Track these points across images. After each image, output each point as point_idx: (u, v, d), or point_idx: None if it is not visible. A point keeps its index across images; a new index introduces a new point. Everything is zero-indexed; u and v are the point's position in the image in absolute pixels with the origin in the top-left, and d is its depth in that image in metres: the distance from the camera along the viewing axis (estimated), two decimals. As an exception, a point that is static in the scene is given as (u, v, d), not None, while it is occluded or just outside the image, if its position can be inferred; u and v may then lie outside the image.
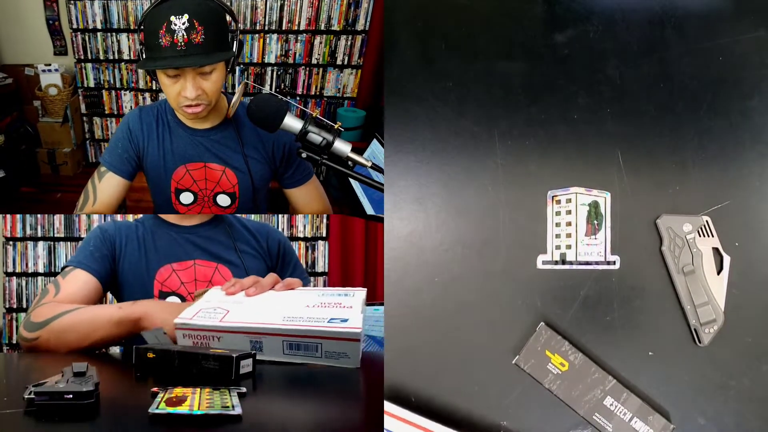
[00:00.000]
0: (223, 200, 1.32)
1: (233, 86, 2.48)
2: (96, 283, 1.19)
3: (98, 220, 2.04)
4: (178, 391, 0.74)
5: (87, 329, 1.02)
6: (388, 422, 0.99)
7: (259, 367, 0.89)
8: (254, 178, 1.30)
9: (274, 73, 2.76)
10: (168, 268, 1.22)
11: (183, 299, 1.24)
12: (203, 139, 1.29)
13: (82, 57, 2.83)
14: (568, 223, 1.03)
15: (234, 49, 1.21)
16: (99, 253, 1.22)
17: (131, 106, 2.90)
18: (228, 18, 1.21)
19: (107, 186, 1.28)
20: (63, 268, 1.21)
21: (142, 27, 1.18)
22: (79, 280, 1.18)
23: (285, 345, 0.92)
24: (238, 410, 0.67)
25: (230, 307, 1.00)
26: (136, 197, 1.49)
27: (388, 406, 0.99)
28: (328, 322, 0.91)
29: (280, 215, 2.30)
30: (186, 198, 1.31)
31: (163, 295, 1.23)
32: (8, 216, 2.43)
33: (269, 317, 0.96)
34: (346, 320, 0.91)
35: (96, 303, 1.18)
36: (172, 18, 1.11)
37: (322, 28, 2.64)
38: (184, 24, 1.11)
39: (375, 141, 2.04)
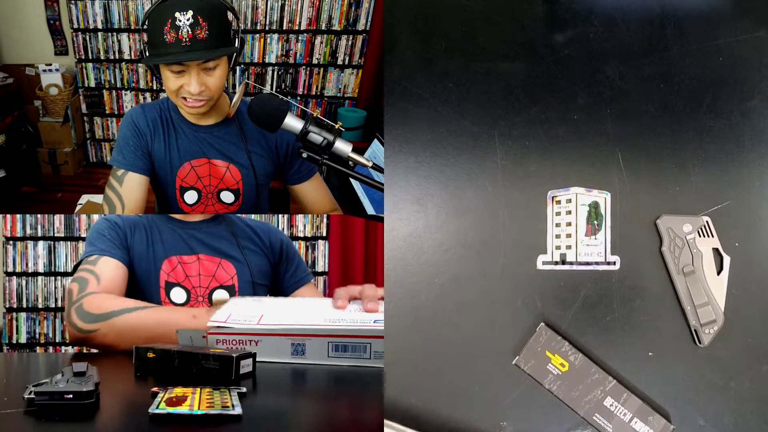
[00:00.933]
0: (227, 197, 1.32)
1: (234, 86, 2.48)
2: (125, 270, 1.18)
3: (98, 218, 2.04)
4: (178, 390, 0.74)
5: (155, 333, 0.99)
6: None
7: (261, 366, 0.88)
8: (258, 175, 1.31)
9: (275, 72, 2.76)
10: (174, 260, 1.23)
11: (188, 291, 1.24)
12: (207, 135, 1.29)
13: (83, 57, 2.83)
14: (568, 224, 1.03)
15: (237, 45, 1.22)
16: (117, 241, 1.21)
17: (132, 106, 2.91)
18: (230, 16, 1.22)
19: (131, 187, 1.26)
20: (84, 258, 1.18)
21: (145, 24, 1.19)
22: (112, 268, 1.16)
23: (331, 347, 0.88)
24: (238, 410, 0.67)
25: (263, 311, 0.95)
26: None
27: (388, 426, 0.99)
28: (374, 322, 0.87)
29: (280, 215, 2.30)
30: (190, 197, 1.32)
31: (169, 286, 1.23)
32: (8, 216, 2.44)
33: (311, 319, 0.91)
34: None
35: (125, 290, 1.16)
36: (177, 14, 1.12)
37: (323, 27, 2.64)
38: (188, 20, 1.13)
39: (376, 141, 2.04)
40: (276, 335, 0.89)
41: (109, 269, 1.15)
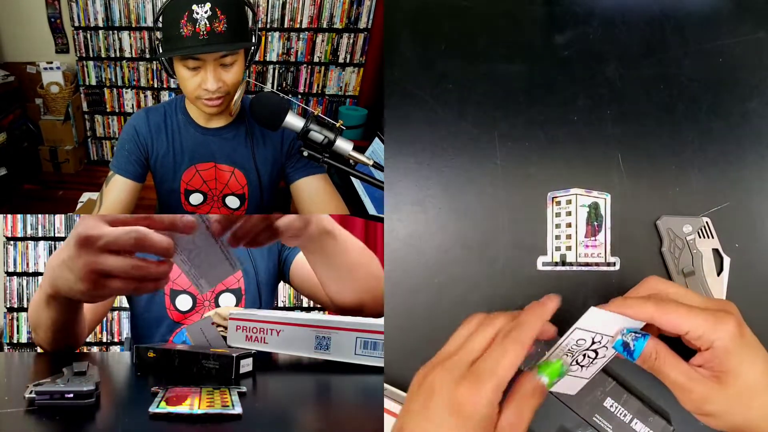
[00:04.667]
0: (233, 202, 1.31)
1: (235, 85, 2.48)
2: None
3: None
4: (179, 390, 0.74)
5: (34, 321, 0.99)
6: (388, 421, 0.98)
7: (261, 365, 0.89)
8: (263, 179, 1.29)
9: (276, 71, 2.76)
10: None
11: (193, 297, 1.24)
12: (214, 138, 1.28)
13: (84, 55, 2.83)
14: (568, 225, 1.03)
15: (254, 41, 1.20)
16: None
17: (133, 104, 2.91)
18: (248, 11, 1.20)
19: (113, 189, 1.28)
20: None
21: (159, 20, 1.17)
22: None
23: (359, 343, 0.82)
24: (238, 409, 0.68)
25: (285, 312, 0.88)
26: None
27: (388, 404, 0.99)
28: None
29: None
30: (195, 198, 1.31)
31: (174, 293, 1.23)
32: (9, 216, 2.44)
33: (337, 317, 0.84)
34: None
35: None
36: (194, 7, 1.10)
37: (325, 26, 2.64)
38: (206, 13, 1.10)
39: (377, 139, 2.04)
40: (300, 325, 0.82)
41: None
